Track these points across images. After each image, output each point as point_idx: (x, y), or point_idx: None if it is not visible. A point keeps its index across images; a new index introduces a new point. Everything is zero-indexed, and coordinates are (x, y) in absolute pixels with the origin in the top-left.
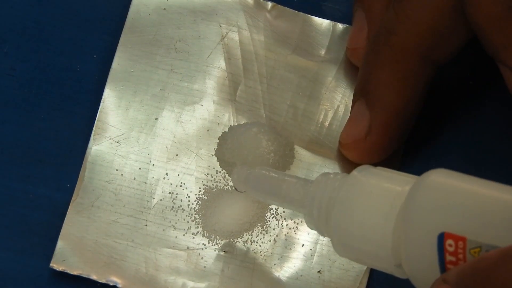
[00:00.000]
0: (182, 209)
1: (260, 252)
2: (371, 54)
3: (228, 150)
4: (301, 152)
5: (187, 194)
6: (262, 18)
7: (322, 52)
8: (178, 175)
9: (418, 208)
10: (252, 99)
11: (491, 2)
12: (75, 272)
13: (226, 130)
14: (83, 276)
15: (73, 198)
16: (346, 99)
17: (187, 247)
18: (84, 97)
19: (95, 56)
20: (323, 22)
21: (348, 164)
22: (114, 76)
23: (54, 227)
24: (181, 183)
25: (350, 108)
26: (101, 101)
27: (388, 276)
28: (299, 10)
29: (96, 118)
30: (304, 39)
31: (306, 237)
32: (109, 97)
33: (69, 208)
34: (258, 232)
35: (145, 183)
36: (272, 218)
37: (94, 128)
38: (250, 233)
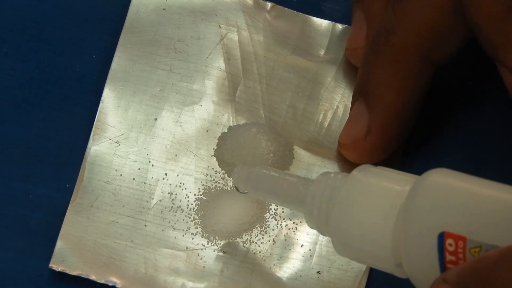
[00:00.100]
0: (181, 209)
1: (260, 252)
2: (371, 54)
3: (227, 150)
4: (301, 153)
5: (186, 195)
6: (261, 19)
7: (322, 52)
8: (178, 175)
9: (418, 207)
10: (251, 100)
11: (491, 2)
12: (74, 273)
13: (226, 130)
14: (82, 276)
15: (72, 198)
16: (346, 99)
17: (186, 248)
18: (83, 97)
19: (94, 56)
20: (322, 23)
21: (348, 165)
22: (113, 76)
23: (53, 227)
24: (180, 183)
25: (349, 108)
26: (101, 101)
27: (387, 276)
28: (298, 11)
29: (96, 118)
30: (304, 40)
31: (305, 238)
32: (109, 97)
33: (68, 208)
34: (257, 232)
35: (144, 183)
36: (271, 218)
37: (93, 128)
38: (249, 233)
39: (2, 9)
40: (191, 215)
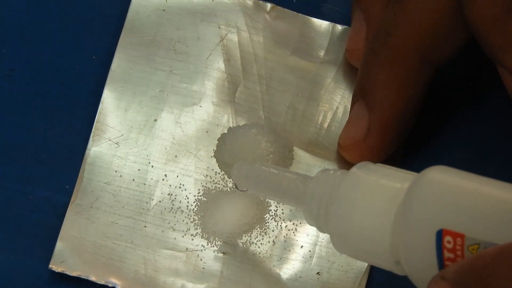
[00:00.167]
0: (181, 210)
1: (259, 253)
2: (370, 55)
3: (227, 151)
4: (300, 154)
5: (186, 196)
6: (261, 20)
7: (321, 53)
8: (177, 176)
9: (417, 204)
10: (251, 101)
11: (491, 3)
12: (74, 273)
13: (225, 131)
14: (82, 277)
15: (72, 199)
16: (345, 100)
17: (186, 249)
18: (83, 98)
19: (94, 57)
20: (322, 24)
21: (347, 166)
22: (113, 77)
23: (53, 228)
24: (180, 184)
25: (349, 109)
26: (100, 102)
27: (387, 277)
28: (298, 12)
29: (95, 119)
30: (303, 41)
31: (305, 239)
32: (108, 98)
33: (68, 209)
34: (257, 233)
35: (144, 184)
36: (271, 219)
37: (93, 129)
38: (249, 234)
39: (1, 10)
40: (191, 216)
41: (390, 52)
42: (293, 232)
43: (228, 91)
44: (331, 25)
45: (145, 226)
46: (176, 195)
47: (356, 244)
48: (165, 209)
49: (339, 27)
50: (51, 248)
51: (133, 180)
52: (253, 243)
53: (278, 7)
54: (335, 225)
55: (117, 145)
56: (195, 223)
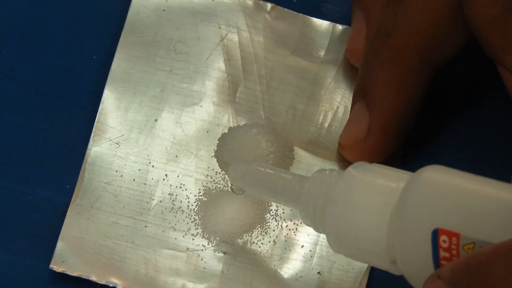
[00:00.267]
0: (182, 210)
1: (260, 253)
2: (370, 55)
3: (227, 151)
4: (301, 153)
5: (187, 196)
6: (261, 20)
7: (322, 53)
8: (178, 176)
9: (412, 204)
10: (251, 100)
11: (491, 3)
12: (75, 273)
13: (226, 131)
14: (83, 277)
15: (72, 199)
16: (346, 100)
17: (187, 248)
18: (83, 98)
19: (94, 57)
20: (322, 23)
21: (348, 165)
22: (113, 77)
23: (53, 228)
24: (181, 184)
25: (349, 109)
26: (101, 103)
27: (387, 277)
28: (298, 11)
29: (96, 119)
30: (304, 40)
31: (305, 238)
32: (109, 98)
33: (68, 209)
34: (257, 233)
35: (145, 184)
36: (272, 219)
37: (93, 129)
38: (249, 234)
39: (1, 10)
40: (191, 216)
41: (390, 52)
42: (294, 232)
43: (229, 91)
44: (331, 25)
45: (146, 226)
46: (176, 195)
47: (352, 244)
48: (165, 209)
49: (339, 27)
50: (52, 248)
51: (134, 180)
52: (253, 242)
53: (278, 7)
54: (331, 225)
55: (118, 145)
56: (195, 223)
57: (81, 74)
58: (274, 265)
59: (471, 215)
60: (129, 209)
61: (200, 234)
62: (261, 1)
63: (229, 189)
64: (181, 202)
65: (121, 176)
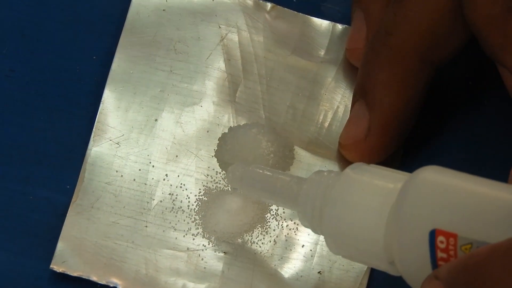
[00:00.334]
0: (182, 210)
1: (260, 253)
2: (370, 55)
3: (228, 151)
4: (301, 153)
5: (187, 195)
6: (261, 19)
7: (322, 53)
8: (178, 176)
9: (410, 205)
10: (251, 100)
11: (491, 3)
12: (75, 274)
13: (226, 131)
14: (83, 277)
15: (73, 200)
16: (346, 99)
17: (187, 248)
18: (83, 98)
19: (94, 57)
20: (322, 23)
21: (348, 165)
22: (113, 77)
23: (54, 228)
24: (181, 184)
25: (349, 109)
26: (101, 103)
27: (388, 277)
28: (298, 11)
29: (96, 119)
30: (304, 40)
31: (306, 238)
32: (109, 98)
33: (69, 209)
34: (258, 233)
35: (145, 184)
36: (272, 219)
37: (93, 129)
38: (250, 234)
39: (1, 10)
40: (192, 215)
41: (390, 52)
42: (294, 232)
43: (229, 91)
44: (331, 24)
45: (146, 226)
46: (177, 195)
47: (350, 245)
48: (166, 209)
49: (339, 26)
50: (52, 248)
51: (134, 180)
52: (254, 242)
53: (278, 6)
54: (329, 226)
55: (118, 145)
56: (196, 223)
57: (81, 74)
58: (275, 265)
59: (468, 215)
60: (129, 209)
61: (200, 234)
62: (261, 1)
63: (230, 189)
64: (181, 202)
65: (122, 176)
